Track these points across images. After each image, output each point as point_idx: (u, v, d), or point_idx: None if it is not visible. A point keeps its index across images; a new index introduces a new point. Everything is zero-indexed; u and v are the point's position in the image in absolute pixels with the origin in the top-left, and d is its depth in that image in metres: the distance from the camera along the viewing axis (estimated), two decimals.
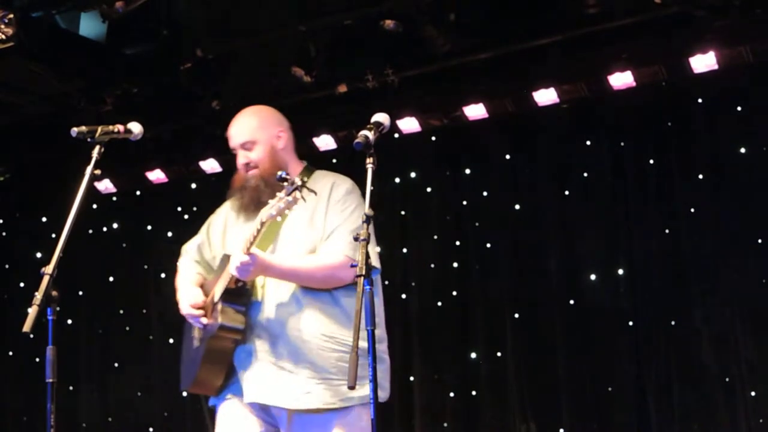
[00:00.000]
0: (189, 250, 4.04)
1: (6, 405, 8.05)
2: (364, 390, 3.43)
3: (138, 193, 7.80)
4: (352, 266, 3.34)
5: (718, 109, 6.21)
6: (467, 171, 6.91)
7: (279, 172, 3.30)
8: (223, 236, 3.89)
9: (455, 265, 6.84)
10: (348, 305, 3.56)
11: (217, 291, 3.59)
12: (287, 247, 3.61)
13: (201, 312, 3.66)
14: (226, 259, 3.63)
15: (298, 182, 3.24)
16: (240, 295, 3.56)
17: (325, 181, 3.71)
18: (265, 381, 3.52)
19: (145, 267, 7.70)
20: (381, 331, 3.62)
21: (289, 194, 3.25)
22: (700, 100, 6.26)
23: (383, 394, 3.54)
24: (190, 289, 3.77)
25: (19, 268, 7.94)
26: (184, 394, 6.94)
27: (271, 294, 3.59)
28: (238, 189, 3.80)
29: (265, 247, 3.55)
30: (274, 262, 3.51)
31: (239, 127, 3.80)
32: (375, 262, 3.49)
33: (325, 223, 3.60)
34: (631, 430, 6.15)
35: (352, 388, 2.98)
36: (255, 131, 3.77)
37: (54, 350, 3.19)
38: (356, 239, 3.05)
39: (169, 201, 7.64)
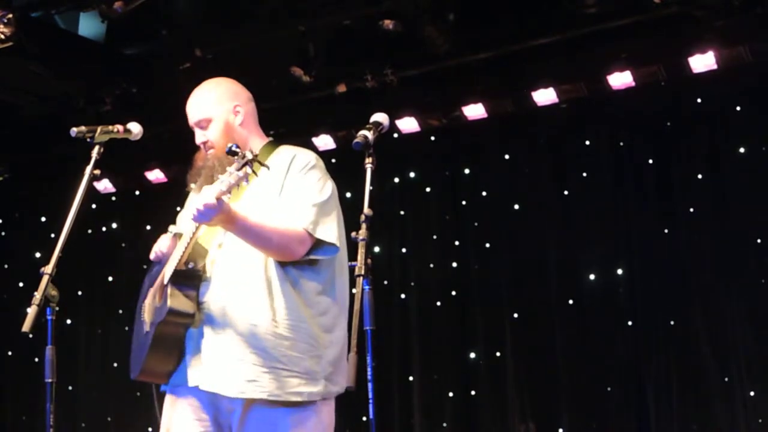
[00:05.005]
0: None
1: (6, 405, 8.06)
2: (315, 386, 3.33)
3: (137, 193, 7.80)
4: (333, 248, 3.29)
5: (717, 109, 6.22)
6: (466, 171, 6.92)
7: (228, 145, 3.06)
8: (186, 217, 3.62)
9: (454, 264, 6.84)
10: (307, 288, 3.37)
11: (167, 272, 3.35)
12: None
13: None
14: (173, 239, 3.44)
15: (249, 156, 2.98)
16: (190, 277, 3.33)
17: (287, 153, 3.48)
18: (211, 367, 3.29)
19: (145, 267, 7.66)
20: (328, 319, 3.42)
21: (239, 169, 3.00)
22: (699, 100, 6.27)
23: (336, 388, 3.40)
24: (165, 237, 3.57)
25: (19, 267, 7.94)
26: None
27: (221, 273, 3.36)
28: (198, 169, 3.58)
29: (214, 237, 3.37)
30: (240, 213, 3.22)
31: (194, 104, 3.58)
32: (333, 238, 3.35)
33: (283, 193, 3.37)
34: (630, 430, 6.16)
35: (351, 388, 2.89)
36: (209, 108, 3.53)
37: (53, 350, 3.19)
38: (355, 239, 3.00)
39: (168, 201, 7.62)
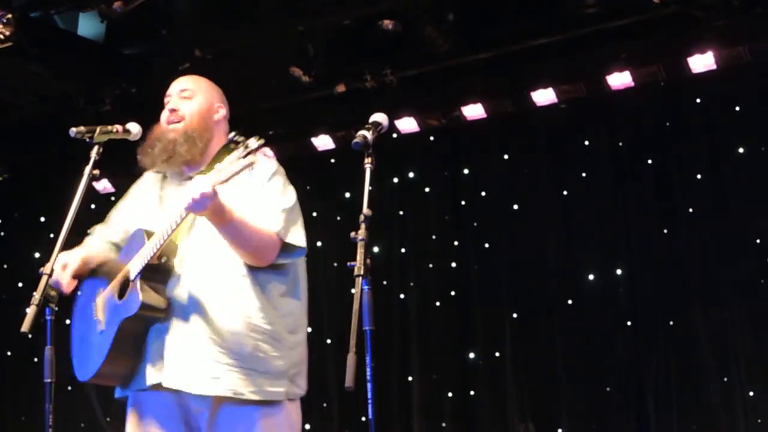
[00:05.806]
0: (99, 229, 3.85)
1: (5, 405, 8.05)
2: (280, 386, 3.32)
3: None
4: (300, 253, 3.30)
5: (716, 109, 6.22)
6: (465, 171, 6.91)
7: (231, 134, 3.03)
8: (145, 209, 3.63)
9: (453, 265, 6.84)
10: (273, 289, 3.35)
11: (134, 267, 3.29)
12: (206, 231, 3.30)
13: (65, 281, 3.38)
14: (139, 235, 3.39)
15: (254, 145, 2.92)
16: (161, 272, 3.29)
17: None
18: (177, 365, 3.25)
19: None
20: (292, 320, 3.40)
21: (243, 157, 2.94)
22: (698, 100, 6.27)
23: (299, 391, 3.40)
24: (76, 251, 3.47)
25: (18, 267, 7.93)
26: None
27: (190, 269, 3.33)
28: (152, 140, 3.53)
29: (182, 233, 3.33)
30: (228, 206, 3.17)
31: (186, 78, 3.62)
32: (299, 240, 3.35)
33: (249, 198, 3.33)
34: (630, 431, 6.16)
35: (351, 388, 2.87)
36: (201, 89, 3.58)
37: (52, 350, 3.18)
38: (354, 239, 3.00)
39: None
